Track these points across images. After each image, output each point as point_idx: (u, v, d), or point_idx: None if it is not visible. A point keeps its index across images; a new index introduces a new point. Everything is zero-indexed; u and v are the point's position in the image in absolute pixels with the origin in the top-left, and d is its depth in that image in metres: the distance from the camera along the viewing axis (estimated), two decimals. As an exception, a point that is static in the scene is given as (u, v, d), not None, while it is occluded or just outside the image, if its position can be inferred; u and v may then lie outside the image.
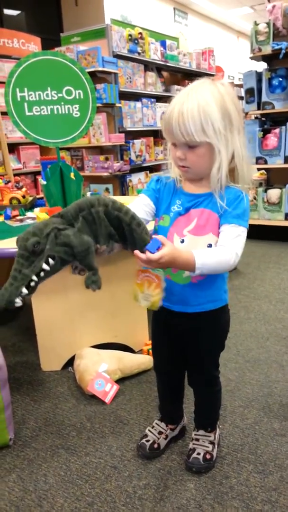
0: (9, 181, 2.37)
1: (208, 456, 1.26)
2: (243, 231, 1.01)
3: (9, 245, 1.60)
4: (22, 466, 1.30)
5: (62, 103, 2.05)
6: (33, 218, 2.01)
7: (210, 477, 1.23)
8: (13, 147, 4.81)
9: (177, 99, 0.97)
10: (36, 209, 2.17)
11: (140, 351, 1.89)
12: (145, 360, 1.76)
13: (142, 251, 0.93)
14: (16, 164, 4.79)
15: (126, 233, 0.95)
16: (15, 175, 4.73)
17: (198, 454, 1.25)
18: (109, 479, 1.23)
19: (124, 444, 1.37)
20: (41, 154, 5.03)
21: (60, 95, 2.04)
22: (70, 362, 1.78)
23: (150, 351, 1.86)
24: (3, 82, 4.33)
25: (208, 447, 1.27)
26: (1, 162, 4.68)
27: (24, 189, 2.30)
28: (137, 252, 0.94)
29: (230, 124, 0.96)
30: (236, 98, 0.99)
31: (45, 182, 1.97)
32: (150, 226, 1.07)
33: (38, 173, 4.92)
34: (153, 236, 0.96)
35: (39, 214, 1.96)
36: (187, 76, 5.54)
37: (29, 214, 2.12)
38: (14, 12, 6.84)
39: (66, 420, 1.48)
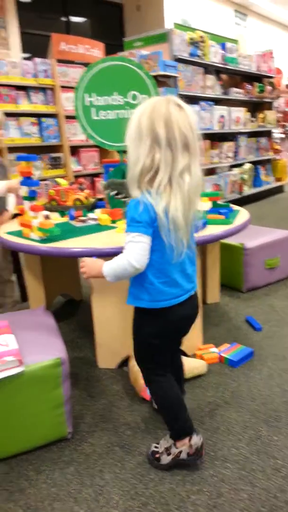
0: (73, 183, 2.46)
1: (156, 455, 1.31)
2: (133, 236, 1.10)
3: (73, 244, 1.66)
4: (80, 460, 1.35)
5: (127, 107, 2.10)
6: (95, 219, 2.07)
7: (265, 489, 1.21)
8: (74, 150, 4.99)
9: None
10: (97, 211, 2.23)
11: (194, 355, 1.89)
12: (199, 365, 1.76)
13: None
14: (76, 166, 4.96)
15: None
16: (75, 176, 4.90)
17: (153, 446, 1.34)
18: (162, 481, 1.25)
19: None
20: (101, 156, 5.17)
21: (125, 99, 2.09)
22: (126, 361, 1.81)
23: (204, 355, 1.85)
24: (68, 87, 4.49)
25: (157, 448, 1.32)
26: (63, 164, 4.86)
27: (87, 191, 2.38)
28: None
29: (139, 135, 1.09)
30: (170, 118, 1.06)
31: (103, 186, 2.03)
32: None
33: (96, 175, 5.05)
34: None
35: (101, 216, 2.01)
36: (246, 78, 5.45)
37: (91, 215, 2.18)
38: (80, 19, 7.08)
39: (122, 418, 1.51)
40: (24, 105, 4.46)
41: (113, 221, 1.99)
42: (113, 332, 1.79)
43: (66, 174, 4.93)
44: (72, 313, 2.43)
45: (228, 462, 1.31)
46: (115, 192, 1.99)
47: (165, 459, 1.29)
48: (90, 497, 1.21)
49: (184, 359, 1.75)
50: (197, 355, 1.88)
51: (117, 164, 2.22)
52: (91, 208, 2.36)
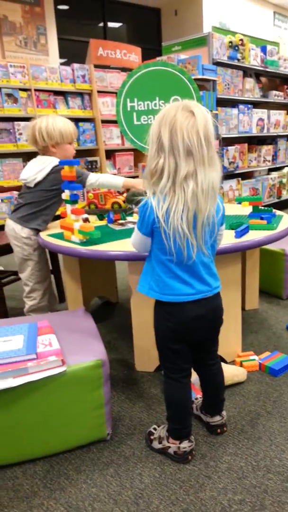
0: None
1: (151, 437, 1.40)
2: (135, 228, 1.25)
3: (112, 247, 1.68)
4: (119, 462, 1.35)
5: (168, 112, 2.09)
6: (133, 223, 2.08)
7: (311, 504, 1.17)
8: (110, 154, 5.05)
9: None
10: (136, 215, 2.24)
11: (233, 362, 1.86)
12: (239, 372, 1.73)
13: None
14: (111, 170, 5.02)
15: None
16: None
17: (152, 428, 1.44)
18: (203, 488, 1.23)
19: (218, 455, 1.35)
20: (135, 160, 5.21)
21: (167, 104, 2.09)
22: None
23: (244, 362, 1.82)
24: (105, 92, 4.55)
25: (154, 432, 1.41)
26: (99, 168, 4.93)
27: (125, 195, 2.40)
28: None
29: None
30: (181, 126, 1.09)
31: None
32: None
33: (131, 178, 5.11)
34: None
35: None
36: (286, 81, 5.34)
37: (129, 218, 2.20)
38: (117, 25, 7.17)
39: (160, 422, 1.50)
40: (62, 110, 4.56)
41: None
42: (151, 335, 1.78)
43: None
44: (109, 315, 2.45)
45: (271, 473, 1.27)
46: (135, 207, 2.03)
47: (156, 446, 1.38)
48: (130, 499, 1.20)
49: (223, 365, 1.73)
50: (236, 362, 1.85)
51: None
52: (129, 211, 2.38)
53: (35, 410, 1.32)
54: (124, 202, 2.34)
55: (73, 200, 1.84)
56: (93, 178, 2.12)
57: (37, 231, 2.07)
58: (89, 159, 4.87)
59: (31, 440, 1.35)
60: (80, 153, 4.76)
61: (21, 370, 1.27)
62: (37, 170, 2.03)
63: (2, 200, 4.11)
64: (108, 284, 2.58)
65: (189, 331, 1.26)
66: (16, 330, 1.47)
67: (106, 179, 2.15)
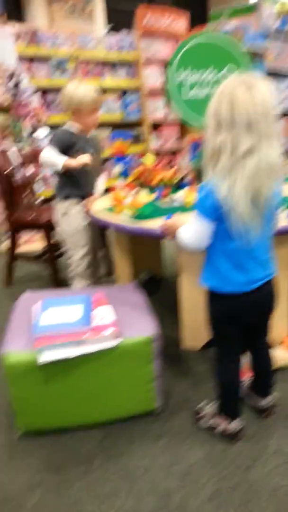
0: (160, 161, 2.45)
1: (199, 414, 1.42)
2: (194, 217, 1.15)
3: (158, 224, 1.67)
4: (169, 435, 1.39)
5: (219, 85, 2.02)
6: (181, 200, 2.05)
7: None
8: (155, 126, 4.96)
9: None
10: (184, 190, 2.21)
11: (279, 346, 1.84)
12: (285, 357, 1.71)
13: None
14: (156, 143, 4.94)
15: None
16: (155, 154, 4.90)
17: (201, 405, 1.45)
18: (251, 468, 1.25)
19: (265, 437, 1.36)
20: (181, 133, 5.09)
21: (219, 76, 2.02)
22: (210, 343, 1.82)
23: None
24: (152, 61, 4.41)
25: (203, 410, 1.42)
26: (143, 140, 4.87)
27: (173, 169, 2.36)
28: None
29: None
30: (241, 99, 1.04)
31: (196, 164, 2.00)
32: None
33: (175, 151, 5.01)
34: None
35: (188, 197, 1.98)
36: None
37: (177, 195, 2.17)
38: (164, -10, 6.87)
39: (207, 399, 1.52)
40: (108, 80, 4.50)
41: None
42: (199, 313, 1.78)
43: (146, 151, 4.93)
44: (155, 291, 2.47)
45: None
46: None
47: (204, 423, 1.40)
48: (181, 473, 1.25)
49: (272, 349, 1.72)
50: (283, 345, 1.83)
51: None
52: (177, 187, 2.35)
53: (89, 380, 1.38)
54: (172, 177, 2.31)
55: (124, 175, 1.84)
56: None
57: (63, 196, 2.13)
58: (134, 131, 4.80)
59: (86, 408, 1.42)
60: (125, 125, 4.72)
61: (78, 342, 1.32)
62: None
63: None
64: (154, 260, 2.60)
65: (244, 315, 1.25)
66: (73, 302, 1.51)
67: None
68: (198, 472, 1.25)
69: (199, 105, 2.00)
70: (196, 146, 2.15)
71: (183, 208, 1.91)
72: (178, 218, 1.34)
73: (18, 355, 1.32)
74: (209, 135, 1.11)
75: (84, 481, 1.24)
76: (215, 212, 1.11)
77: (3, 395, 1.61)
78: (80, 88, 2.02)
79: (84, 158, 1.99)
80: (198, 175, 1.90)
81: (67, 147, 2.06)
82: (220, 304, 1.25)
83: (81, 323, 1.37)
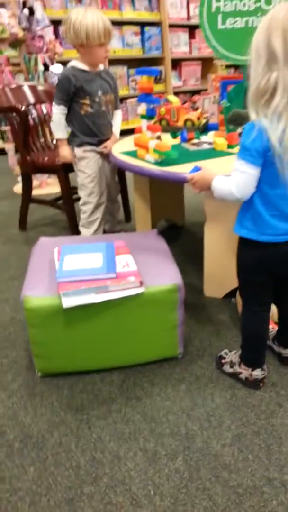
0: (186, 102, 2.31)
1: (222, 360, 1.43)
2: (240, 164, 1.06)
3: (187, 169, 1.59)
4: (190, 380, 1.41)
5: (259, 14, 1.84)
6: (210, 143, 1.95)
7: None
8: (176, 64, 4.67)
9: None
10: (211, 133, 2.10)
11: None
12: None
13: None
14: (176, 82, 4.68)
15: None
16: (174, 93, 4.64)
17: (224, 352, 1.46)
18: (274, 414, 1.26)
19: (287, 385, 1.37)
20: (203, 71, 4.80)
21: (258, 4, 1.83)
22: (232, 293, 1.80)
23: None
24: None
25: (226, 356, 1.43)
26: (163, 79, 4.60)
27: (199, 111, 2.23)
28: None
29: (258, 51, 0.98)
30: None
31: (228, 104, 1.86)
32: None
33: (196, 91, 4.74)
34: None
35: (217, 140, 1.88)
36: None
37: (204, 138, 2.06)
38: None
39: (229, 347, 1.53)
40: (127, 12, 4.17)
41: (230, 146, 1.86)
42: (223, 262, 1.75)
43: (166, 90, 4.68)
44: (175, 239, 2.43)
45: None
46: (239, 127, 1.82)
47: (227, 369, 1.41)
48: (202, 416, 1.27)
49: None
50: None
51: (238, 81, 2.01)
52: (203, 130, 2.22)
53: (111, 326, 1.37)
54: (198, 119, 2.18)
55: (150, 116, 1.73)
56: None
57: (76, 144, 2.08)
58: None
59: (107, 353, 1.43)
60: (144, 62, 4.44)
61: (102, 288, 1.30)
62: None
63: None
64: (176, 207, 2.53)
65: (277, 266, 1.21)
66: (95, 249, 1.49)
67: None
68: (220, 416, 1.27)
69: (236, 37, 1.83)
70: (226, 85, 2.00)
71: (212, 152, 1.82)
72: (208, 170, 1.25)
73: (39, 299, 1.31)
74: (258, 71, 1.00)
75: (105, 422, 1.27)
76: (262, 157, 1.03)
77: (22, 337, 1.64)
78: (87, 17, 1.80)
79: (65, 154, 2.09)
80: (230, 117, 1.78)
81: (74, 93, 1.95)
82: (254, 253, 1.19)
83: (105, 269, 1.34)
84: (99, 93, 2.02)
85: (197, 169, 1.30)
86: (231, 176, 1.11)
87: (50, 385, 1.41)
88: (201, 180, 1.24)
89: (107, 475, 1.10)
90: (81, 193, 2.13)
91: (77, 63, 1.98)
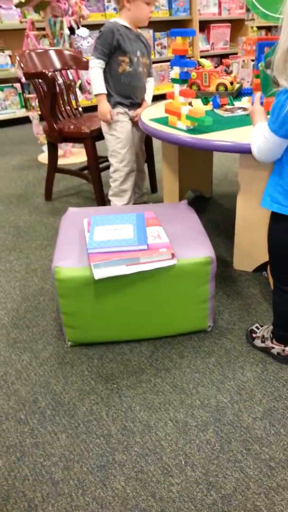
0: (218, 65, 2.20)
1: (253, 334, 1.41)
2: (269, 133, 1.03)
3: (221, 137, 1.53)
4: (220, 353, 1.40)
5: None
6: (244, 109, 1.86)
7: None
8: (203, 26, 4.45)
9: None
10: (245, 98, 2.00)
11: None
12: None
13: None
14: (204, 45, 4.47)
15: None
16: (201, 57, 4.44)
17: (255, 326, 1.44)
18: (306, 389, 1.25)
19: None
20: (232, 34, 4.56)
21: None
22: (263, 266, 1.76)
23: None
24: None
25: (258, 330, 1.41)
26: (190, 43, 4.40)
27: (233, 75, 2.12)
28: None
29: None
30: None
31: (262, 68, 1.76)
32: None
33: (225, 55, 4.52)
34: None
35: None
36: None
37: (238, 103, 1.97)
38: None
39: (260, 322, 1.50)
40: None
41: (268, 113, 1.76)
42: (254, 235, 1.70)
43: (193, 55, 4.49)
44: (202, 210, 2.38)
45: None
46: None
47: (258, 344, 1.39)
48: (233, 389, 1.26)
49: None
50: None
51: (274, 42, 1.89)
52: (236, 95, 2.12)
53: (143, 298, 1.36)
54: (231, 83, 2.08)
55: (183, 80, 1.65)
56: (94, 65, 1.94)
57: (113, 104, 2.01)
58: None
59: (138, 324, 1.42)
60: (170, 24, 4.25)
61: (133, 260, 1.28)
62: None
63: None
64: (204, 178, 2.46)
65: None
66: (125, 219, 1.46)
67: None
68: (251, 390, 1.26)
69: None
70: (263, 47, 1.88)
71: (247, 119, 1.73)
72: (258, 114, 1.21)
73: (70, 270, 1.30)
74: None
75: (135, 391, 1.27)
76: None
77: (51, 307, 1.65)
78: None
79: (105, 111, 1.98)
80: (264, 82, 1.68)
81: (115, 49, 1.89)
82: (285, 230, 1.14)
83: (136, 241, 1.32)
84: (138, 53, 1.97)
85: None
86: (256, 136, 1.10)
87: (80, 354, 1.42)
88: (251, 116, 1.24)
89: (138, 444, 1.12)
90: (112, 160, 2.08)
91: (120, 20, 1.93)
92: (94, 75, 1.95)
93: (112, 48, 1.89)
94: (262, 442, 1.10)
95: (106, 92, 1.98)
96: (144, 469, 1.05)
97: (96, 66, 1.93)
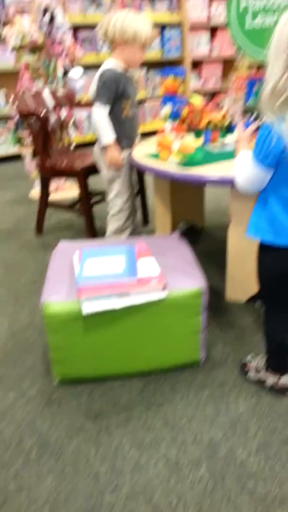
0: (210, 100, 2.28)
1: (246, 367, 1.39)
2: (253, 164, 1.06)
3: (210, 171, 1.56)
4: (213, 386, 1.37)
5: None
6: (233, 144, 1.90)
7: None
8: (195, 64, 4.63)
9: None
10: (235, 134, 2.05)
11: None
12: None
13: None
14: (195, 82, 4.63)
15: None
16: (194, 91, 4.61)
17: (249, 356, 1.42)
18: (302, 422, 1.22)
19: (316, 392, 1.32)
20: (224, 71, 4.74)
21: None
22: (256, 297, 1.75)
23: None
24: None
25: (251, 361, 1.39)
26: (182, 80, 4.58)
27: (224, 110, 2.18)
28: None
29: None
30: None
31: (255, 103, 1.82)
32: None
33: (216, 93, 4.69)
34: None
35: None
36: None
37: (228, 138, 2.02)
38: None
39: (255, 351, 1.48)
40: (147, 14, 4.16)
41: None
42: (247, 266, 1.70)
43: (184, 91, 4.64)
44: (195, 241, 2.39)
45: None
46: (254, 117, 1.79)
47: (252, 376, 1.37)
48: (227, 424, 1.23)
49: None
50: None
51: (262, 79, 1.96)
52: (226, 130, 2.18)
53: (133, 331, 1.35)
54: (223, 117, 2.14)
55: (174, 117, 1.70)
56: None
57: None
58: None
59: (128, 358, 1.40)
60: (163, 64, 4.42)
61: (123, 293, 1.28)
62: (94, 83, 1.91)
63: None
64: (196, 209, 2.49)
65: None
66: (114, 252, 1.46)
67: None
68: (245, 424, 1.22)
69: (264, 36, 1.79)
70: (253, 84, 1.95)
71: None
72: (242, 142, 1.26)
73: (59, 305, 1.29)
74: (276, 71, 0.94)
75: (125, 428, 1.24)
76: (276, 158, 1.00)
77: (39, 343, 1.63)
78: (136, 18, 1.83)
79: (118, 158, 1.93)
80: (254, 117, 1.74)
81: (117, 95, 1.91)
82: (272, 259, 1.15)
83: (126, 274, 1.32)
84: (134, 96, 2.01)
85: (247, 125, 1.36)
86: (240, 167, 1.13)
87: (68, 391, 1.39)
88: (237, 144, 1.30)
89: (128, 484, 1.08)
90: (118, 201, 2.06)
91: (114, 65, 1.92)
92: (102, 123, 1.88)
93: (117, 94, 1.90)
94: (256, 478, 1.07)
95: (115, 138, 1.93)
96: (134, 510, 1.01)
97: (103, 113, 1.88)
